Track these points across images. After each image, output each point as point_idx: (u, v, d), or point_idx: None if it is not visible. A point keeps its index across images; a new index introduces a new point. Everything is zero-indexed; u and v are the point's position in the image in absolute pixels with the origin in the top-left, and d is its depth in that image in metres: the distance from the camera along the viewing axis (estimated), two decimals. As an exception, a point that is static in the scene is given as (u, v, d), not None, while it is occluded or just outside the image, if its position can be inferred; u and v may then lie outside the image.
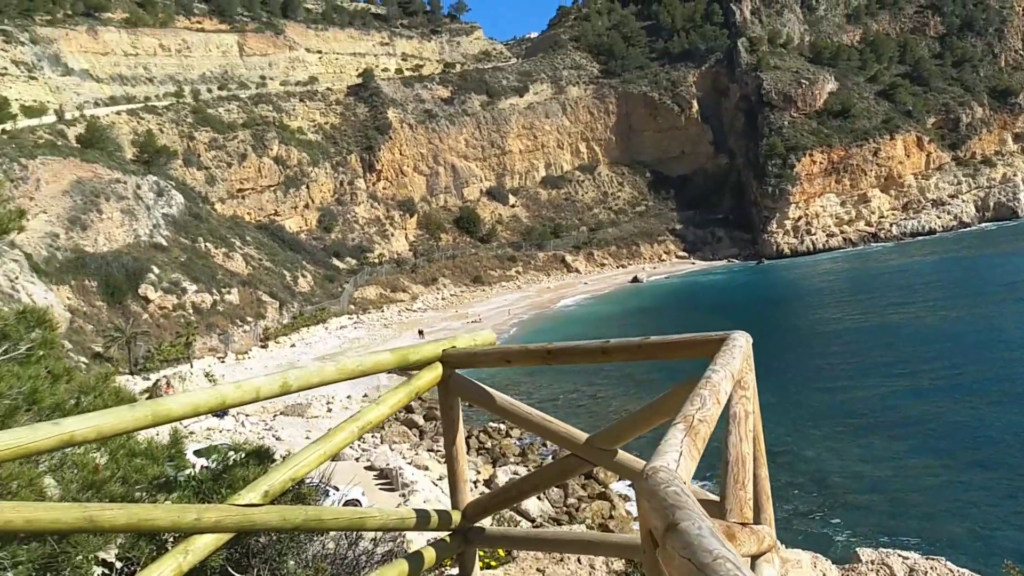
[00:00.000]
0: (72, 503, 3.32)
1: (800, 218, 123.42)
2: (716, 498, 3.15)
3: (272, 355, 66.68)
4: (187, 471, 4.51)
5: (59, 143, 77.02)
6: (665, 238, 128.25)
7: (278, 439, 34.56)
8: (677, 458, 2.21)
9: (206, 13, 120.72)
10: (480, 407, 5.17)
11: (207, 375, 49.93)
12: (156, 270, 68.14)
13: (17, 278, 52.49)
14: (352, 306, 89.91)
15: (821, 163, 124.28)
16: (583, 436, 4.60)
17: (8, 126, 74.61)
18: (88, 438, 3.42)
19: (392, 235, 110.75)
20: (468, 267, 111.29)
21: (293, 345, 70.60)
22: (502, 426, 38.74)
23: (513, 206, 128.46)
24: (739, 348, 3.35)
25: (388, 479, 28.14)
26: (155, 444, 4.62)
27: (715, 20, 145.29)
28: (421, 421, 41.06)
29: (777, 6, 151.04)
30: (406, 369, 5.13)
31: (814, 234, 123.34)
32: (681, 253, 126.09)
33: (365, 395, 46.82)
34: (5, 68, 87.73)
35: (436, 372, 4.88)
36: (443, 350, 4.91)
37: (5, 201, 4.58)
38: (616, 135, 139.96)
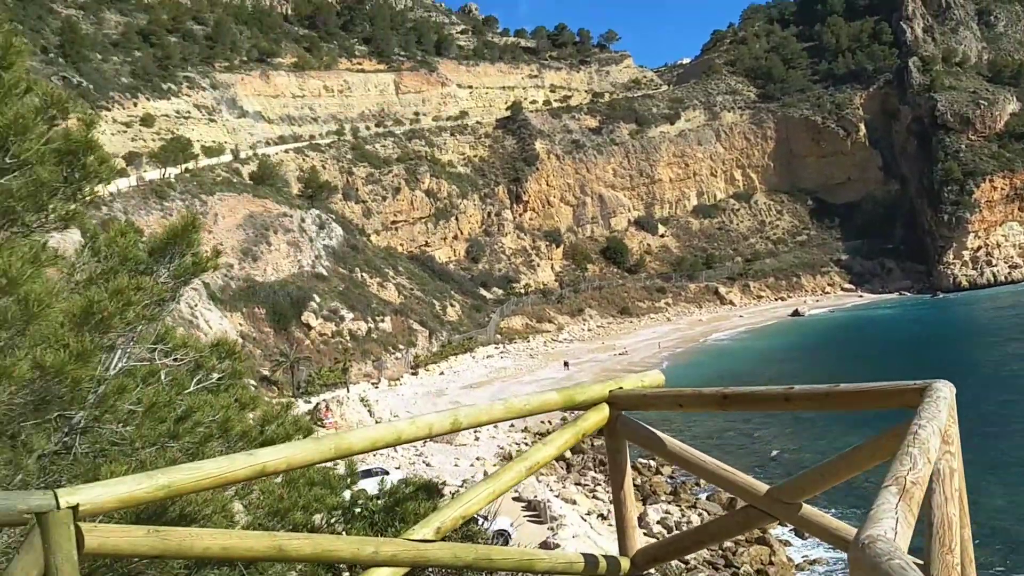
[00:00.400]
0: (263, 532, 3.49)
1: (979, 248, 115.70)
2: (918, 561, 2.93)
3: (422, 382, 68.45)
4: (360, 501, 4.65)
5: (234, 180, 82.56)
6: (829, 269, 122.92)
7: (428, 464, 35.31)
8: (894, 526, 2.05)
9: (366, 54, 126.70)
10: (649, 451, 5.05)
11: (362, 400, 51.81)
12: (317, 299, 71.54)
13: (196, 306, 56.37)
14: (498, 336, 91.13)
15: (1003, 189, 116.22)
16: (763, 487, 4.39)
17: (191, 165, 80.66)
18: (279, 469, 3.59)
19: (538, 265, 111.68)
20: (615, 298, 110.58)
21: (442, 373, 72.21)
22: (652, 462, 38.02)
23: (663, 236, 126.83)
24: (944, 400, 3.12)
25: (536, 511, 28.14)
26: (332, 474, 4.81)
27: (883, 39, 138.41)
28: (568, 454, 40.92)
29: (952, 23, 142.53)
30: (573, 409, 5.10)
31: (995, 265, 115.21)
32: (847, 285, 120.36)
33: (512, 424, 47.18)
34: (188, 112, 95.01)
35: (603, 414, 4.82)
36: (610, 391, 4.84)
37: (202, 241, 4.92)
38: (775, 161, 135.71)
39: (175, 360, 5.03)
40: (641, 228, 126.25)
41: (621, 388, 4.91)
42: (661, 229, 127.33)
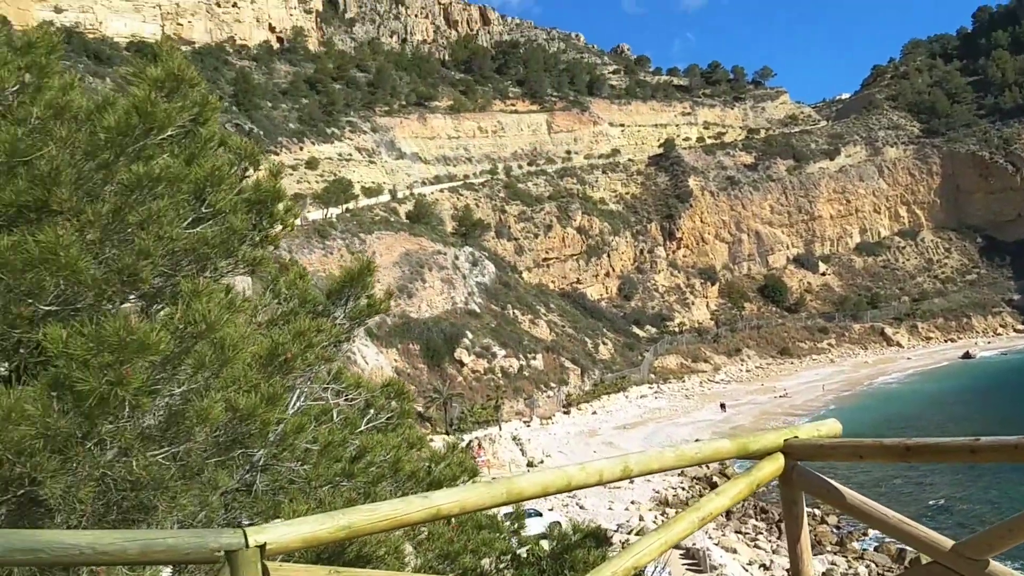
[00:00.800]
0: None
1: None
2: None
3: (574, 421, 68.13)
4: (527, 546, 4.62)
5: (392, 219, 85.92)
6: (1001, 309, 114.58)
7: (581, 507, 34.95)
8: None
9: (519, 96, 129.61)
10: (827, 503, 4.78)
11: (514, 438, 52.09)
12: (470, 335, 72.90)
13: (354, 341, 58.68)
14: (652, 375, 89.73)
15: None
16: (948, 542, 4.06)
17: (351, 205, 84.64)
18: (452, 512, 3.59)
19: (693, 304, 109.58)
20: (774, 338, 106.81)
21: (594, 412, 71.67)
22: (816, 511, 36.16)
23: (823, 274, 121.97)
24: None
25: (695, 560, 27.25)
26: (499, 519, 4.80)
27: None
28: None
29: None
30: (746, 458, 4.89)
31: None
32: (1020, 326, 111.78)
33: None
34: (350, 155, 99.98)
35: (778, 463, 4.59)
36: (784, 440, 4.61)
37: (375, 284, 5.07)
38: (941, 198, 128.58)
39: (347, 399, 5.18)
40: (801, 266, 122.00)
41: (796, 437, 4.69)
42: (822, 267, 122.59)
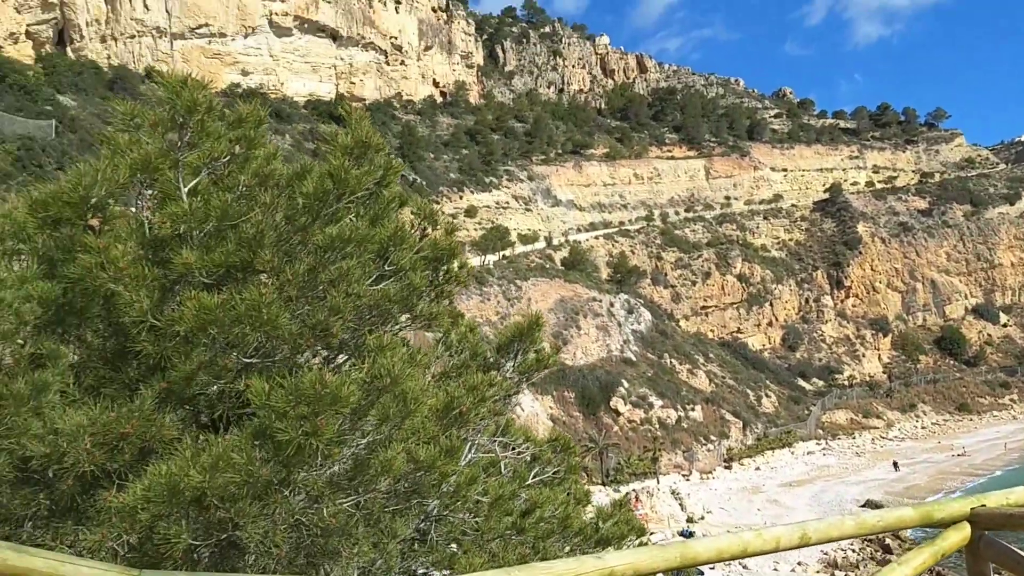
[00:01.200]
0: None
1: None
2: None
3: (736, 476, 65.78)
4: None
5: (547, 266, 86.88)
6: None
7: (744, 567, 33.57)
8: None
9: (676, 142, 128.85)
10: (1017, 577, 4.42)
11: (673, 492, 50.83)
12: (626, 384, 72.12)
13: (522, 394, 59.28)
14: (820, 430, 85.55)
15: None
16: None
17: (508, 252, 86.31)
18: (625, 574, 3.58)
19: (863, 356, 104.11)
20: (952, 393, 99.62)
21: (757, 468, 68.99)
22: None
23: (1005, 325, 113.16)
24: None
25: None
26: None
27: None
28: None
29: None
30: (930, 527, 4.63)
31: None
32: None
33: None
34: (507, 203, 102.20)
35: (963, 533, 4.31)
36: (971, 508, 4.33)
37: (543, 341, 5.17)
38: None
39: (515, 452, 5.28)
40: (980, 316, 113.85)
41: (984, 505, 4.39)
42: (1003, 318, 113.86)
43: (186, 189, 4.84)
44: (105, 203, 4.70)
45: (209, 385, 4.28)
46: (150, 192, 5.08)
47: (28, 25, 76.73)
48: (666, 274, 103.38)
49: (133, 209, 5.11)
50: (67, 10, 79.64)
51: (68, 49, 79.41)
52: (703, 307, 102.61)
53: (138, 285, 4.28)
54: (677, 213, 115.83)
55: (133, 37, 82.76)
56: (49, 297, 4.11)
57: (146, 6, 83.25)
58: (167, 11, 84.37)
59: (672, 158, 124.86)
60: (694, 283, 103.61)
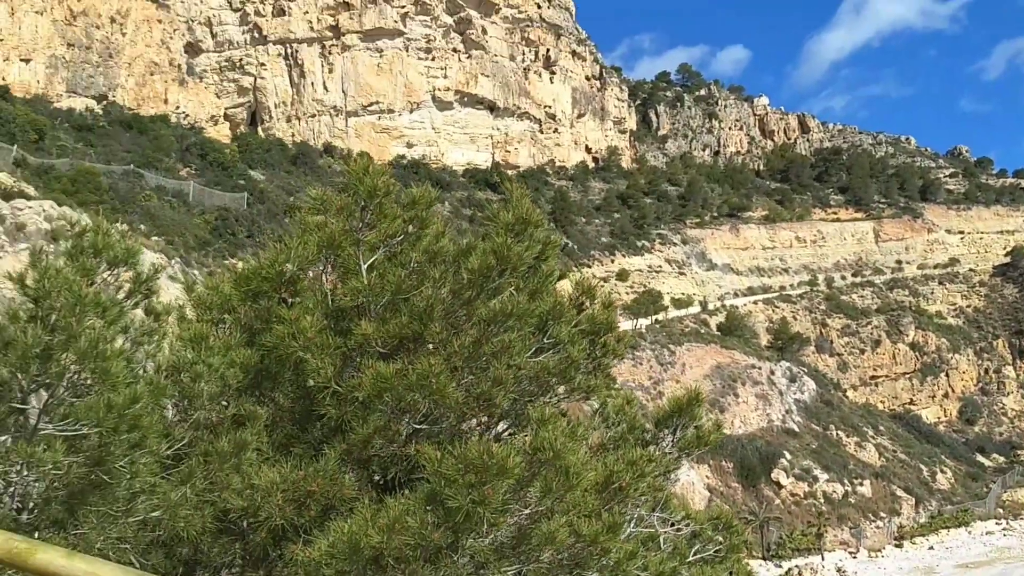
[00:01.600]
0: None
1: None
2: None
3: (907, 555, 61.35)
4: None
5: (702, 331, 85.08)
6: None
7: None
8: None
9: (842, 203, 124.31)
10: None
11: (839, 571, 47.96)
12: (788, 456, 69.04)
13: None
14: (1000, 510, 78.67)
15: None
16: None
17: (661, 316, 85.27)
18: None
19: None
20: None
21: (931, 548, 64.09)
22: None
23: None
24: None
25: None
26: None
27: None
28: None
29: None
30: None
31: None
32: None
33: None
34: (660, 266, 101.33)
35: None
36: None
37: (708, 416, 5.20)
38: None
39: (674, 528, 5.29)
40: None
41: None
42: None
43: (365, 265, 5.27)
44: (297, 277, 5.20)
45: (383, 448, 4.60)
46: (334, 266, 5.57)
47: (226, 108, 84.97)
48: (832, 341, 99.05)
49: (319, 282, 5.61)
50: (259, 94, 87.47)
51: (259, 128, 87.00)
52: (872, 377, 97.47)
53: (323, 353, 4.69)
54: (843, 278, 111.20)
55: (314, 116, 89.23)
56: (249, 363, 4.58)
57: (325, 88, 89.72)
58: (343, 91, 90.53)
59: (838, 220, 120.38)
60: (862, 351, 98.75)
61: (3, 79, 61.89)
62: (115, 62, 72.41)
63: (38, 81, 65.81)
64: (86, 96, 69.23)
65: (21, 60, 64.68)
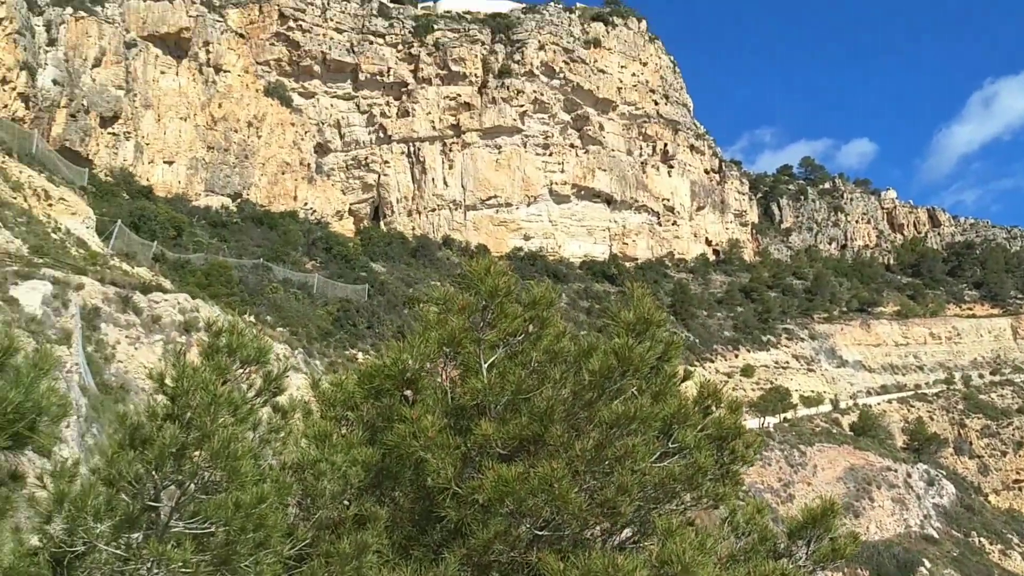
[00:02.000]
0: None
1: None
2: None
3: None
4: None
5: (833, 431, 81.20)
6: None
7: None
8: None
9: (976, 299, 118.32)
10: None
11: None
12: (927, 564, 64.25)
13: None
14: None
15: None
16: None
17: (789, 415, 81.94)
18: None
19: None
20: None
21: None
22: None
23: None
24: None
25: None
26: None
27: None
28: None
29: None
30: None
31: None
32: None
33: None
34: (787, 362, 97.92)
35: None
36: None
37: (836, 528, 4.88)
38: None
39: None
40: None
41: None
42: None
43: (486, 364, 5.26)
44: (418, 375, 5.24)
45: (503, 554, 4.49)
46: (454, 364, 5.59)
47: (351, 204, 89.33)
48: (971, 443, 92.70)
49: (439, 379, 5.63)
50: (382, 190, 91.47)
51: (381, 222, 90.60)
52: (1015, 480, 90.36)
53: (444, 453, 4.67)
54: (981, 376, 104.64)
55: (434, 210, 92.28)
56: (371, 461, 4.60)
57: (446, 183, 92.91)
58: (463, 186, 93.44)
59: (973, 316, 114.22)
60: (1004, 453, 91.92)
61: (148, 180, 66.94)
62: (250, 162, 77.37)
63: (179, 181, 70.86)
64: (222, 195, 73.93)
65: (165, 162, 69.95)
